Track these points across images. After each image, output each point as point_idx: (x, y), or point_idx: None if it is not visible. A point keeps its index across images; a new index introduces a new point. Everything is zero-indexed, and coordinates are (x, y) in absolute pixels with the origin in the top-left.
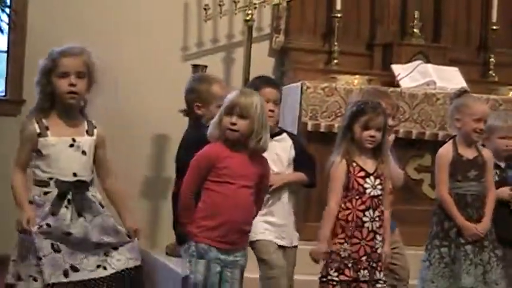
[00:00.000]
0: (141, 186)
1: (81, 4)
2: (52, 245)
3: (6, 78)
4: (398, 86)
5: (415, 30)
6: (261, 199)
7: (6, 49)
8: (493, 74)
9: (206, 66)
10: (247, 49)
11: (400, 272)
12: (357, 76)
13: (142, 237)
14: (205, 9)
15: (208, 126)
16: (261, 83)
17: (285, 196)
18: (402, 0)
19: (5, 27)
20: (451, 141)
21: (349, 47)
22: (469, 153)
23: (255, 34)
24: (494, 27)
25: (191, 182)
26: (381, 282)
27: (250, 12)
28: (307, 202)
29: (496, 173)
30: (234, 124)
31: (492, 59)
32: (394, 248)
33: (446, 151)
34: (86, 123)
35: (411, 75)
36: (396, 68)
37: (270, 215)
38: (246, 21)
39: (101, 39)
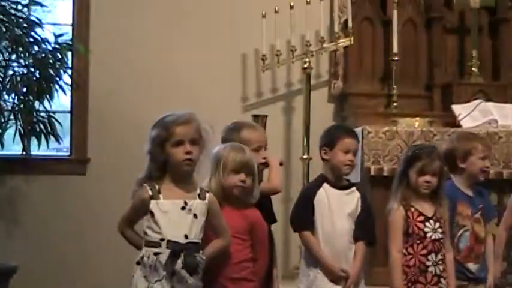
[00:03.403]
0: None
1: (141, 61)
2: None
3: (70, 137)
4: (459, 126)
5: (473, 69)
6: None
7: (69, 109)
8: None
9: (266, 116)
10: (306, 97)
11: None
12: (418, 118)
13: None
14: (262, 59)
15: None
16: (341, 132)
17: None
18: (459, 41)
19: (68, 88)
20: None
21: (408, 89)
22: None
23: (313, 81)
24: None
25: None
26: None
27: (307, 60)
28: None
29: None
30: (244, 181)
31: None
32: None
33: None
34: (198, 188)
35: (472, 114)
36: (457, 108)
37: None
38: (304, 69)
39: (160, 94)
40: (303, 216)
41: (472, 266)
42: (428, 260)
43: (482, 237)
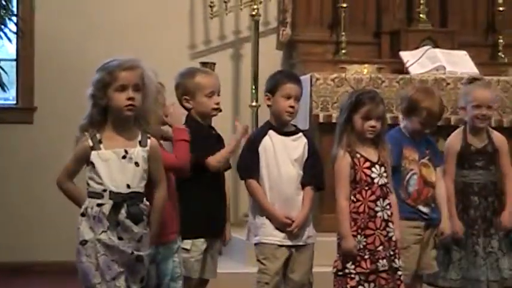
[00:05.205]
0: None
1: (87, 6)
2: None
3: (16, 86)
4: (407, 73)
5: (421, 15)
6: None
7: (15, 57)
8: (502, 56)
9: (215, 64)
10: (254, 44)
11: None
12: (366, 65)
13: None
14: (210, 6)
15: (196, 119)
16: (282, 78)
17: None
18: None
19: (13, 36)
20: (460, 129)
21: (357, 36)
22: (477, 142)
23: (261, 28)
24: (501, 9)
25: None
26: (401, 269)
27: (255, 7)
28: (321, 194)
29: None
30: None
31: (501, 40)
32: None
33: (454, 140)
34: (140, 134)
35: (420, 61)
36: (405, 55)
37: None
38: (252, 16)
39: (107, 41)
40: (248, 164)
41: (422, 208)
42: (377, 205)
43: (430, 181)
